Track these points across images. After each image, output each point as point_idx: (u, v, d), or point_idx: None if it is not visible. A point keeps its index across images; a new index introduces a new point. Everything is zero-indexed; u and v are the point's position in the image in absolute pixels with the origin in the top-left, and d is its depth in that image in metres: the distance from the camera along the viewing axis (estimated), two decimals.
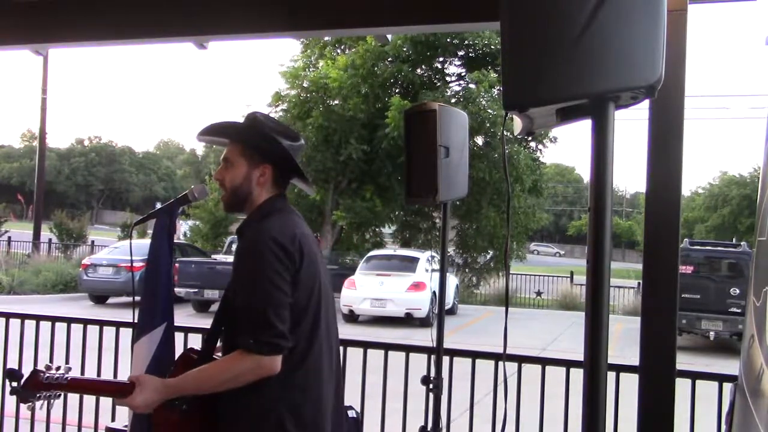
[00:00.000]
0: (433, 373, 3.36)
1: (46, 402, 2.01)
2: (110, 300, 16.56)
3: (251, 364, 1.94)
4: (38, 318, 4.55)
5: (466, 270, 21.94)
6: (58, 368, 2.01)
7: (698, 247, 13.88)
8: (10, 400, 4.57)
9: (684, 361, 6.24)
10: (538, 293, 21.11)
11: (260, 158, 2.16)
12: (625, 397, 3.39)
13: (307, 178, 2.32)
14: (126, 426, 2.49)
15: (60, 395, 2.03)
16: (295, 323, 2.00)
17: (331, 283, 2.27)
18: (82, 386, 2.17)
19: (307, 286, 2.05)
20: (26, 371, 2.02)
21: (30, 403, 1.99)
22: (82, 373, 4.25)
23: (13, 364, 4.54)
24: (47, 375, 1.98)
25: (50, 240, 24.17)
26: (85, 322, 4.44)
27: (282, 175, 2.21)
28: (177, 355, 2.36)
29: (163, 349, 2.41)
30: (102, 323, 4.46)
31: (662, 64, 1.39)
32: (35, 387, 1.96)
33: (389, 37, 4.26)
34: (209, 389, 2.00)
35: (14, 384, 1.97)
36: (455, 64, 22.12)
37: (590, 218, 1.46)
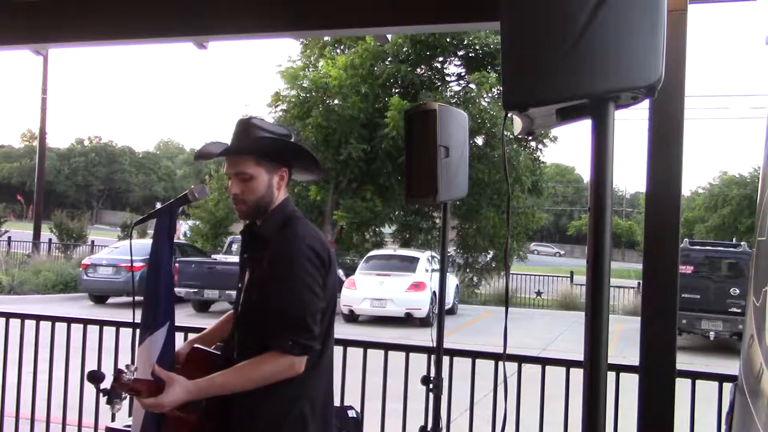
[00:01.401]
0: (433, 373, 3.36)
1: (126, 400, 2.05)
2: (110, 300, 16.56)
3: (286, 364, 2.03)
4: (38, 318, 4.55)
5: (467, 270, 21.94)
6: (132, 369, 2.03)
7: (698, 247, 13.88)
8: (10, 400, 4.57)
9: (684, 361, 6.25)
10: (538, 293, 21.11)
11: (277, 162, 2.20)
12: (625, 397, 3.39)
13: (320, 166, 2.36)
14: (126, 426, 2.49)
15: (127, 396, 2.06)
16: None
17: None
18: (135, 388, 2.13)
19: (330, 288, 2.16)
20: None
21: (115, 402, 2.03)
22: (82, 372, 4.25)
23: (13, 364, 4.56)
24: (128, 375, 2.00)
25: (50, 240, 24.18)
26: (85, 322, 4.44)
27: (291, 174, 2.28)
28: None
29: (165, 350, 2.41)
30: (102, 323, 4.46)
31: (662, 64, 1.39)
32: (121, 387, 1.99)
33: (389, 37, 4.26)
34: (240, 388, 2.05)
35: (102, 385, 2.00)
36: (455, 64, 22.12)
37: (590, 218, 1.45)
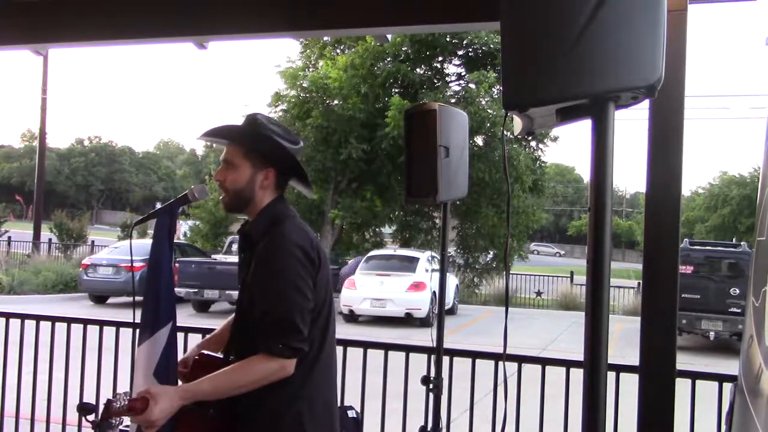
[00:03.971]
0: (433, 373, 3.36)
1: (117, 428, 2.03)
2: (110, 300, 16.56)
3: (276, 366, 2.01)
4: (38, 318, 4.55)
5: (467, 270, 21.94)
6: (122, 394, 2.01)
7: (698, 247, 13.88)
8: (10, 400, 4.57)
9: (684, 361, 6.24)
10: (538, 293, 21.11)
11: (264, 162, 2.17)
12: (625, 397, 3.39)
13: (309, 181, 2.34)
14: (127, 427, 2.48)
15: (123, 421, 2.04)
16: (312, 324, 2.08)
17: (332, 281, 2.31)
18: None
19: (322, 288, 2.11)
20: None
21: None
22: (82, 372, 4.26)
23: (13, 363, 4.55)
24: (118, 404, 1.97)
25: (50, 240, 24.19)
26: (85, 322, 4.44)
27: (283, 178, 2.23)
28: (179, 356, 2.36)
29: (167, 351, 2.40)
30: (102, 323, 4.46)
31: (662, 64, 1.39)
32: (109, 416, 1.97)
33: (389, 36, 4.26)
34: (229, 392, 2.03)
35: (91, 418, 1.98)
36: (455, 64, 22.14)
37: (590, 218, 1.46)
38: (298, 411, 2.07)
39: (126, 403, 1.97)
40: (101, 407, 1.99)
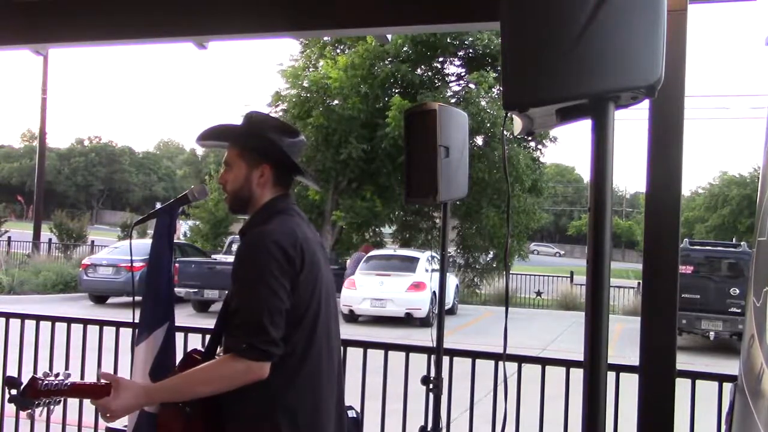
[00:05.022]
0: (433, 373, 3.36)
1: (45, 409, 1.99)
2: (110, 300, 16.56)
3: (242, 368, 1.91)
4: (38, 318, 4.55)
5: (467, 270, 21.94)
6: (57, 375, 1.97)
7: (698, 247, 13.89)
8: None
9: (684, 361, 6.24)
10: (538, 293, 21.11)
11: (258, 159, 2.13)
12: (625, 397, 3.39)
13: (309, 174, 2.31)
14: (125, 426, 2.49)
15: (60, 401, 1.99)
16: (292, 328, 1.97)
17: (330, 284, 2.24)
18: (76, 390, 2.08)
19: (306, 291, 2.01)
20: (25, 375, 2.01)
21: (29, 410, 1.96)
22: (82, 372, 4.26)
23: (13, 364, 4.55)
24: (45, 382, 1.94)
25: (50, 240, 24.19)
26: (85, 322, 4.44)
27: (283, 174, 2.17)
28: (178, 356, 2.36)
29: (165, 350, 2.41)
30: (102, 323, 4.46)
31: (662, 64, 1.39)
32: (34, 394, 1.93)
33: (389, 37, 4.26)
34: (197, 392, 1.97)
35: (13, 392, 1.95)
36: (455, 64, 22.13)
37: (590, 218, 1.46)
38: (277, 421, 1.95)
39: (65, 382, 1.93)
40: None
